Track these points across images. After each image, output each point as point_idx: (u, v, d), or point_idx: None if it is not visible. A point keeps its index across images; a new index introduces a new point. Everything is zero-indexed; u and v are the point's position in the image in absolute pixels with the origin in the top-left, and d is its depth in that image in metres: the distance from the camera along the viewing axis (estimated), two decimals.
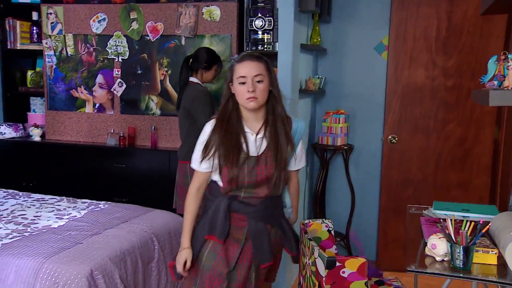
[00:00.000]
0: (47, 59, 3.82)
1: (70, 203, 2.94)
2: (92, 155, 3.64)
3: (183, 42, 3.50)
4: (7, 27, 3.93)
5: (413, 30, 3.47)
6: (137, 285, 2.30)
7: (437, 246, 1.70)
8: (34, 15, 3.95)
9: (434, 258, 1.72)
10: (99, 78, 3.72)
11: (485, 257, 1.68)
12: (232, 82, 1.88)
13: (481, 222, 1.68)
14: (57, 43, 3.78)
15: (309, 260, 1.82)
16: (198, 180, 1.93)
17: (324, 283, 1.66)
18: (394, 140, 3.58)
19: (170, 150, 3.46)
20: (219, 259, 1.87)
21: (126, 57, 3.63)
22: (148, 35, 3.56)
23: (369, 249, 3.80)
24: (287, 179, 2.00)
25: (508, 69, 1.73)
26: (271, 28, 3.28)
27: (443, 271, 1.66)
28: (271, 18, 3.27)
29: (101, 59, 3.69)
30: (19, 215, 2.67)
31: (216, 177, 1.89)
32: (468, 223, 1.68)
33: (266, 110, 1.90)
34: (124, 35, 3.61)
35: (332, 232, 2.15)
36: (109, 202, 2.98)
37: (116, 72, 3.68)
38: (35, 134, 3.84)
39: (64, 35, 3.76)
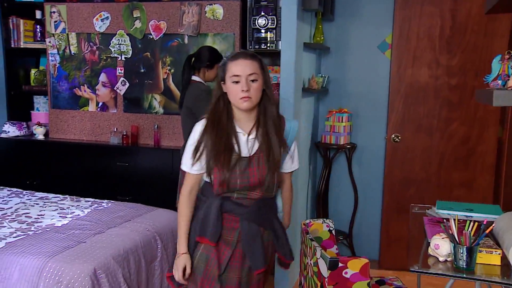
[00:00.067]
0: (50, 58, 3.83)
1: (73, 202, 2.95)
2: (95, 153, 3.65)
3: (186, 40, 3.50)
4: (11, 26, 3.94)
5: (417, 28, 3.46)
6: (140, 284, 2.30)
7: (440, 246, 1.70)
8: (38, 14, 3.96)
9: (437, 258, 1.72)
10: (102, 77, 3.73)
11: (488, 258, 1.68)
12: (224, 80, 1.80)
13: (484, 223, 1.68)
14: (60, 42, 3.79)
15: (310, 260, 1.82)
16: (189, 182, 1.86)
17: (326, 284, 1.66)
18: (397, 139, 3.58)
19: (173, 148, 3.46)
20: (211, 262, 1.82)
21: (129, 56, 3.64)
22: (151, 34, 3.56)
23: (371, 248, 3.80)
24: (281, 182, 1.93)
25: None
26: (274, 26, 3.27)
27: (446, 271, 1.65)
28: (274, 16, 3.26)
29: (104, 57, 3.70)
30: (23, 213, 2.69)
31: (208, 178, 1.83)
32: (472, 223, 1.68)
33: (258, 110, 1.83)
34: (127, 34, 3.61)
35: (333, 232, 2.14)
36: (112, 201, 2.99)
37: (119, 70, 3.68)
38: (39, 133, 3.85)
39: (68, 34, 3.76)
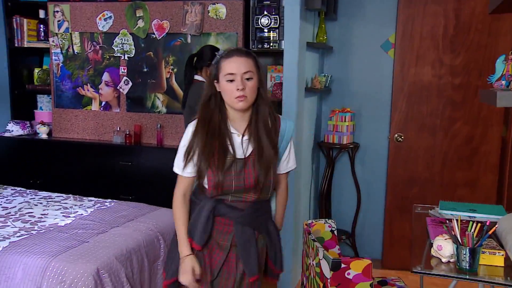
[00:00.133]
0: (53, 57, 3.84)
1: (76, 201, 2.96)
2: (98, 153, 3.66)
3: (189, 40, 3.50)
4: (15, 25, 3.95)
5: (420, 28, 3.45)
6: (143, 284, 2.31)
7: (443, 247, 1.70)
8: (41, 13, 3.96)
9: (440, 259, 1.72)
10: (105, 76, 3.73)
11: (491, 259, 1.68)
12: (218, 79, 1.73)
13: (487, 224, 1.67)
14: (63, 41, 3.79)
15: (313, 261, 1.82)
16: (182, 185, 1.80)
17: (329, 285, 1.66)
18: (400, 139, 3.57)
19: (176, 148, 3.44)
20: (203, 266, 1.76)
21: (132, 55, 3.64)
22: (154, 33, 3.56)
23: (374, 247, 3.80)
24: (276, 183, 1.85)
25: None
26: (277, 26, 3.27)
27: (449, 272, 1.65)
28: (277, 16, 3.26)
29: (107, 57, 3.70)
30: (26, 213, 2.70)
31: (201, 180, 1.75)
32: (475, 224, 1.68)
33: (252, 110, 1.77)
34: (130, 33, 3.62)
35: (335, 232, 2.14)
36: (115, 200, 2.99)
37: (122, 70, 3.68)
38: (42, 132, 3.86)
39: (71, 33, 3.77)
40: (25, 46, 3.97)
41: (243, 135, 1.76)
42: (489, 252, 1.68)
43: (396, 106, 3.55)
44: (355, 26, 3.70)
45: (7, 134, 3.88)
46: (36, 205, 2.85)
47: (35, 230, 2.41)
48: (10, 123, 3.92)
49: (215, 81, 1.74)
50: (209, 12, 3.42)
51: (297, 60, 3.02)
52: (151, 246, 2.41)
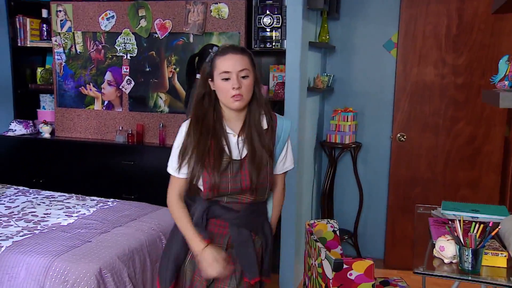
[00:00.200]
0: (56, 57, 3.84)
1: (79, 201, 2.96)
2: (100, 152, 3.66)
3: (191, 39, 3.50)
4: (17, 25, 3.96)
5: (423, 27, 3.44)
6: (145, 283, 2.31)
7: (446, 248, 1.69)
8: (44, 13, 3.97)
9: (442, 260, 1.72)
10: (108, 76, 3.74)
11: (494, 260, 1.67)
12: (212, 78, 1.67)
13: (490, 225, 1.67)
14: (66, 41, 3.80)
15: (315, 261, 1.82)
16: (177, 187, 1.74)
17: (331, 285, 1.66)
18: (402, 138, 3.56)
19: None
20: (198, 270, 1.70)
21: (135, 55, 3.64)
22: (156, 33, 3.56)
23: (376, 247, 3.80)
24: (272, 183, 1.78)
25: None
26: (279, 25, 3.27)
27: (451, 273, 1.65)
28: (279, 15, 3.25)
29: (110, 56, 3.71)
30: (29, 212, 2.70)
31: (196, 181, 1.68)
32: (477, 225, 1.67)
33: (247, 109, 1.71)
34: (133, 33, 3.62)
35: (338, 232, 2.14)
36: (117, 200, 3.00)
37: (125, 69, 3.69)
38: (45, 131, 3.87)
39: (73, 33, 3.77)
40: (28, 45, 3.98)
41: (238, 135, 1.70)
42: (491, 253, 1.68)
43: (398, 105, 3.55)
44: (358, 26, 3.70)
45: (10, 134, 3.89)
46: (39, 204, 2.86)
47: (38, 229, 2.42)
48: (13, 122, 3.93)
49: (209, 79, 1.69)
50: (211, 12, 3.42)
51: (300, 60, 3.02)
52: (154, 246, 2.41)
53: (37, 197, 3.01)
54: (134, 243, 2.31)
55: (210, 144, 1.66)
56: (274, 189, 1.84)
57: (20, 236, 2.31)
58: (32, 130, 3.98)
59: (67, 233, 2.36)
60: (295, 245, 3.16)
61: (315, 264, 1.83)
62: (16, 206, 2.81)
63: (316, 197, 3.81)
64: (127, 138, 3.64)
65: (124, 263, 2.17)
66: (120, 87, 3.72)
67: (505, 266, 1.66)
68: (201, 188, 1.68)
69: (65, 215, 2.66)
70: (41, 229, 2.43)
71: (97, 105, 3.80)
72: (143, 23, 3.58)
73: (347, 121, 3.57)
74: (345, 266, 1.65)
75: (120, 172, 3.57)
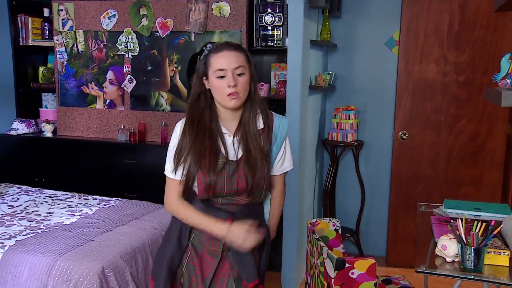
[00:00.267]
0: (58, 56, 3.85)
1: (81, 200, 2.97)
2: (102, 151, 3.67)
3: (192, 38, 3.50)
4: (19, 24, 3.96)
5: (425, 25, 3.43)
6: (148, 283, 2.32)
7: (448, 247, 1.69)
8: (46, 12, 3.97)
9: (445, 258, 1.72)
10: (110, 74, 3.74)
11: (496, 259, 1.67)
12: (207, 76, 1.62)
13: (492, 223, 1.67)
14: (68, 40, 3.80)
15: (317, 260, 1.82)
16: (175, 189, 1.67)
17: (333, 284, 1.66)
18: (404, 136, 3.56)
19: None
20: (197, 276, 1.66)
21: (136, 54, 3.64)
22: (158, 31, 3.56)
23: (379, 245, 3.80)
24: (271, 185, 1.74)
25: None
26: (281, 24, 3.26)
27: (454, 272, 1.65)
28: (280, 14, 3.25)
29: (112, 55, 3.71)
30: (32, 211, 2.71)
31: (191, 182, 1.64)
32: (479, 223, 1.67)
33: (243, 108, 1.66)
34: (134, 32, 3.62)
35: (339, 231, 2.14)
36: (120, 199, 3.01)
37: (126, 68, 3.69)
38: (47, 130, 3.88)
39: (75, 32, 3.77)
40: (30, 44, 3.98)
41: (234, 136, 1.65)
42: (494, 252, 1.67)
43: (400, 103, 3.54)
44: (359, 24, 3.69)
45: (12, 133, 3.90)
46: (42, 203, 2.87)
47: (41, 228, 2.43)
48: (15, 121, 3.94)
49: (204, 78, 1.64)
50: (213, 10, 3.42)
51: (301, 58, 3.02)
52: (156, 245, 2.41)
53: (39, 196, 3.02)
54: (136, 242, 2.32)
55: (206, 144, 1.61)
56: (273, 191, 1.79)
57: (23, 235, 2.32)
58: (34, 129, 3.99)
59: (69, 232, 2.36)
60: (297, 244, 3.16)
61: (317, 263, 1.83)
62: (19, 205, 2.82)
63: (318, 195, 3.81)
64: (129, 137, 3.64)
65: (127, 262, 2.17)
66: (122, 86, 3.72)
67: (507, 264, 1.66)
68: (196, 189, 1.64)
69: (68, 214, 2.67)
70: (44, 228, 2.44)
71: (99, 104, 3.80)
72: (144, 21, 3.58)
73: (349, 119, 3.57)
74: (347, 265, 1.65)
75: (122, 170, 3.58)
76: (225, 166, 1.61)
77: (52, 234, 2.34)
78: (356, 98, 3.75)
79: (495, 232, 1.65)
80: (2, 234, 2.33)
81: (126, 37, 3.65)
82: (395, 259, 3.63)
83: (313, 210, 3.73)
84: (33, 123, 4.01)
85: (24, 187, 3.25)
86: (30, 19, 3.95)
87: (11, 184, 3.32)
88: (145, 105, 3.68)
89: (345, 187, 3.86)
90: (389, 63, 3.65)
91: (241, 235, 1.59)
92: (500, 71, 1.84)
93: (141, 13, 3.58)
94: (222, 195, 1.64)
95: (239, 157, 1.64)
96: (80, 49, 3.78)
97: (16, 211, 2.72)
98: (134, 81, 3.68)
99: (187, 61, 3.39)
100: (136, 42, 3.63)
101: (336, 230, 2.13)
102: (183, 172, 1.64)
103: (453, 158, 3.50)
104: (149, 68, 3.63)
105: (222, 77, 1.58)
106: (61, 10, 3.77)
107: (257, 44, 3.34)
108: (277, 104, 3.34)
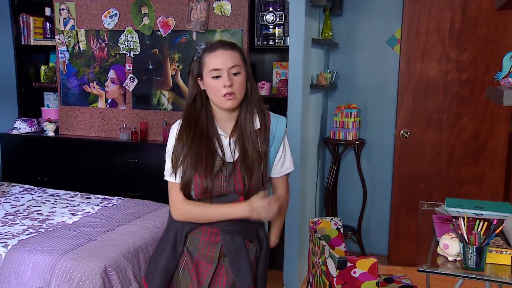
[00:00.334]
0: (60, 55, 3.85)
1: (83, 199, 2.98)
2: (104, 150, 3.67)
3: (194, 37, 3.50)
4: (21, 23, 3.97)
5: (426, 23, 3.42)
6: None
7: (450, 246, 1.69)
8: (47, 11, 3.97)
9: (447, 257, 1.72)
10: (111, 74, 3.75)
11: (498, 258, 1.67)
12: (202, 77, 1.57)
13: (494, 222, 1.67)
14: (69, 39, 3.80)
15: (319, 259, 1.82)
16: (178, 193, 1.60)
17: (335, 283, 1.67)
18: (406, 135, 3.56)
19: None
20: (191, 282, 1.61)
21: (138, 53, 3.65)
22: (159, 30, 3.56)
23: (380, 243, 3.80)
24: (274, 188, 1.69)
25: None
26: (282, 22, 3.26)
27: (456, 271, 1.65)
28: (282, 12, 3.24)
29: (113, 54, 3.71)
30: (34, 210, 2.72)
31: (188, 186, 1.59)
32: (481, 222, 1.67)
33: (239, 108, 1.61)
34: (136, 31, 3.62)
35: (341, 230, 2.14)
36: (122, 198, 3.02)
37: (128, 67, 3.69)
38: (49, 129, 3.89)
39: (76, 31, 3.78)
40: (32, 44, 3.99)
41: (230, 137, 1.61)
42: (496, 250, 1.68)
43: (402, 102, 3.54)
44: (361, 22, 3.68)
45: (14, 132, 3.91)
46: (44, 203, 2.88)
47: (43, 228, 2.44)
48: (17, 120, 3.94)
49: (199, 78, 1.59)
50: (214, 9, 3.42)
51: (303, 57, 3.01)
52: None
53: (42, 196, 3.03)
54: (138, 241, 2.32)
55: (203, 146, 1.56)
56: (275, 194, 1.73)
57: (26, 234, 2.33)
58: (36, 128, 4.00)
59: (72, 232, 2.37)
60: (299, 243, 3.17)
61: (319, 262, 1.83)
62: (22, 205, 2.83)
63: (319, 194, 3.81)
64: (130, 136, 3.65)
65: (129, 261, 2.18)
66: (124, 85, 3.72)
67: (510, 263, 1.66)
68: (192, 192, 1.60)
69: (70, 213, 2.68)
70: (47, 227, 2.45)
71: (101, 103, 3.81)
72: (146, 20, 3.58)
73: (351, 117, 3.57)
74: (349, 264, 1.66)
75: (124, 169, 3.59)
76: (222, 168, 1.57)
77: (55, 233, 2.35)
78: (357, 97, 3.74)
79: (497, 231, 1.65)
80: (5, 234, 2.34)
81: (127, 36, 3.65)
82: (397, 257, 3.63)
83: (315, 208, 3.73)
84: (35, 122, 4.01)
85: (26, 186, 3.26)
86: (31, 18, 3.96)
87: (13, 184, 3.33)
88: (146, 104, 3.69)
89: (347, 185, 3.87)
90: (390, 62, 3.64)
91: (263, 207, 1.54)
92: (502, 69, 1.84)
93: (143, 12, 3.58)
94: (219, 196, 1.59)
95: (235, 158, 1.60)
96: (81, 48, 3.79)
97: (18, 210, 2.73)
98: (136, 80, 3.69)
99: (188, 60, 3.39)
100: (138, 41, 3.63)
101: (337, 229, 2.13)
102: (182, 175, 1.59)
103: (455, 156, 3.50)
104: (151, 67, 3.63)
105: (217, 77, 1.54)
106: (63, 9, 3.78)
107: (258, 43, 3.34)
108: (279, 102, 3.34)
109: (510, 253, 1.67)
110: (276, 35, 3.30)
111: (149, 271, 1.74)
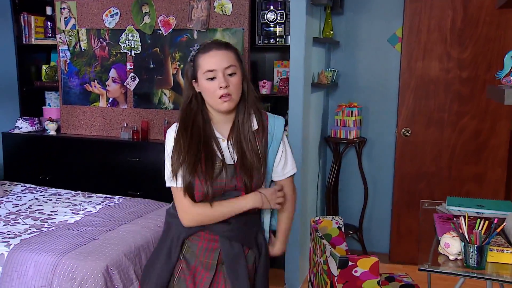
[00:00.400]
0: (61, 54, 3.86)
1: (85, 198, 2.99)
2: (106, 149, 3.68)
3: (195, 36, 3.50)
4: (22, 22, 3.97)
5: (428, 21, 3.42)
6: None
7: (451, 245, 1.70)
8: (48, 10, 3.97)
9: (448, 256, 1.72)
10: (112, 73, 3.75)
11: (499, 256, 1.68)
12: (196, 78, 1.54)
13: (495, 221, 1.67)
14: (70, 38, 3.81)
15: (320, 258, 1.83)
16: (183, 197, 1.54)
17: (336, 282, 1.67)
18: (407, 133, 3.56)
19: None
20: None
21: (139, 52, 3.65)
22: (160, 29, 3.57)
23: (382, 242, 3.81)
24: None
25: None
26: (283, 21, 3.26)
27: (457, 270, 1.66)
28: (283, 11, 3.24)
29: (114, 53, 3.71)
30: (36, 210, 2.73)
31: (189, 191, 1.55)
32: (482, 221, 1.67)
33: (236, 109, 1.57)
34: (137, 30, 3.62)
35: (342, 228, 2.15)
36: (123, 197, 3.02)
37: (129, 66, 3.70)
38: (51, 128, 3.89)
39: (78, 30, 3.78)
40: (33, 43, 3.99)
41: (228, 140, 1.57)
42: (497, 249, 1.68)
43: (403, 100, 3.54)
44: (362, 20, 3.68)
45: (16, 131, 3.91)
46: (46, 202, 2.88)
47: (45, 227, 2.45)
48: (19, 119, 3.95)
49: (193, 80, 1.55)
50: (215, 8, 3.42)
51: (304, 55, 3.01)
52: None
53: (44, 195, 3.04)
54: (140, 240, 2.33)
55: (201, 150, 1.52)
56: None
57: (28, 234, 2.34)
58: (37, 127, 4.01)
59: (74, 231, 2.38)
60: (300, 242, 3.17)
61: (320, 261, 1.84)
62: (24, 204, 2.84)
63: (321, 192, 3.81)
64: (132, 135, 3.65)
65: (131, 260, 2.19)
66: (125, 84, 3.73)
67: (511, 262, 1.67)
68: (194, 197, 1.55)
69: (72, 212, 2.69)
70: (48, 226, 2.46)
71: (102, 102, 3.81)
72: (147, 19, 3.58)
73: (352, 116, 3.57)
74: (350, 263, 1.66)
75: (126, 168, 3.59)
76: (223, 170, 1.53)
77: (57, 232, 2.36)
78: (358, 95, 3.74)
79: (498, 230, 1.65)
80: (8, 233, 2.35)
81: (128, 35, 3.65)
82: (398, 256, 3.64)
83: (316, 207, 3.74)
84: (37, 121, 4.02)
85: (28, 185, 3.27)
86: (32, 17, 3.96)
87: (15, 183, 3.34)
88: (148, 103, 3.69)
89: (348, 184, 3.87)
90: (391, 60, 3.64)
91: (271, 193, 1.57)
92: (503, 68, 1.84)
93: (143, 11, 3.58)
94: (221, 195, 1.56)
95: (235, 161, 1.56)
96: (82, 48, 3.79)
97: (20, 209, 2.73)
98: (137, 79, 3.69)
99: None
100: (139, 40, 3.63)
101: (339, 228, 2.14)
102: (182, 179, 1.54)
103: (456, 155, 3.50)
104: (152, 66, 3.64)
105: (212, 78, 1.50)
106: (64, 8, 3.78)
107: (259, 42, 3.34)
108: (280, 101, 3.34)
109: (511, 252, 1.67)
110: (277, 34, 3.29)
111: (143, 279, 1.70)
